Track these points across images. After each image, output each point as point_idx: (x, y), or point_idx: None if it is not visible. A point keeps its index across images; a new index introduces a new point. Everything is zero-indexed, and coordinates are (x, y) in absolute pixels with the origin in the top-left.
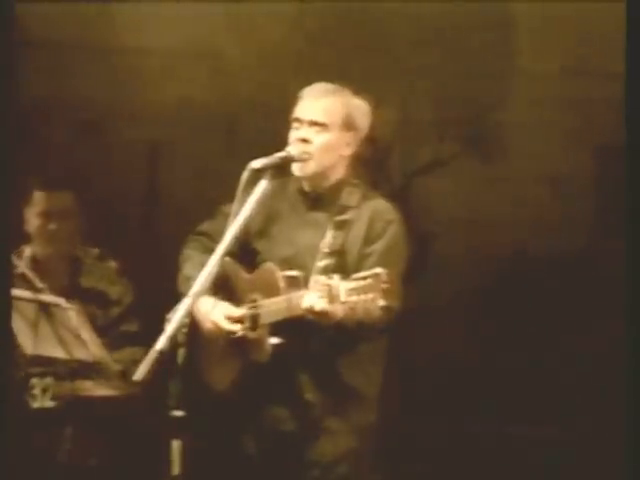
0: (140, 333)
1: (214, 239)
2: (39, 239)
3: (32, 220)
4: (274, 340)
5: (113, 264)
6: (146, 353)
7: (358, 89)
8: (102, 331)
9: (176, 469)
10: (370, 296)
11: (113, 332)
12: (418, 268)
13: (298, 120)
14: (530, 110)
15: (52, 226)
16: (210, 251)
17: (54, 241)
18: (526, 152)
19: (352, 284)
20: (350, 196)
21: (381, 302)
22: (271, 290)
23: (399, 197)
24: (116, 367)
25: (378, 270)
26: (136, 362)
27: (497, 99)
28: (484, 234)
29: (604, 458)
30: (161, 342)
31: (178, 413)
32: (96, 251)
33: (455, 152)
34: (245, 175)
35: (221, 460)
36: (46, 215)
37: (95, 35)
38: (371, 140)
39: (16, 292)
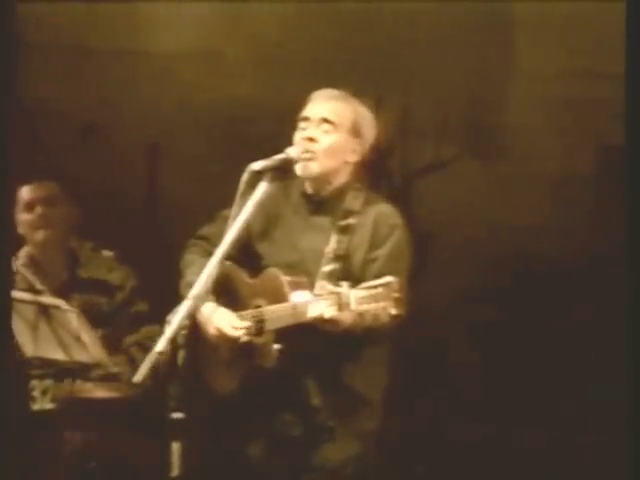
0: (152, 314)
1: (214, 243)
2: (29, 231)
3: (21, 217)
4: (279, 346)
5: (109, 253)
6: (162, 330)
7: (358, 90)
8: (109, 317)
9: (175, 471)
10: (381, 305)
11: (123, 315)
12: (418, 270)
13: (306, 119)
14: (530, 111)
15: (37, 211)
16: (211, 255)
17: (42, 227)
18: (526, 153)
19: (363, 292)
20: (354, 200)
21: (393, 311)
22: (276, 296)
23: (399, 199)
24: (115, 369)
25: (389, 279)
26: (154, 338)
27: (497, 100)
28: (484, 235)
29: (605, 462)
30: (161, 344)
31: (178, 415)
32: (90, 244)
33: (455, 153)
34: (245, 177)
35: (225, 464)
36: (31, 204)
37: (95, 37)
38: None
39: (16, 294)
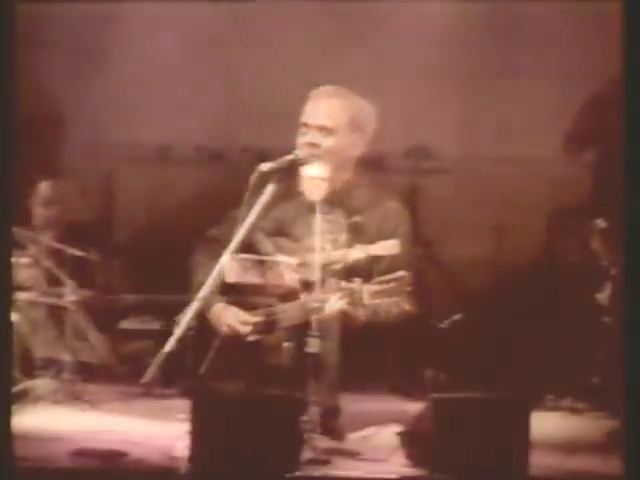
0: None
1: (223, 244)
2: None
3: (38, 210)
4: (291, 344)
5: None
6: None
7: (360, 90)
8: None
9: (182, 469)
10: (394, 299)
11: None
12: (419, 271)
13: (306, 125)
14: (530, 111)
15: (52, 209)
16: (220, 256)
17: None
18: (526, 153)
19: (376, 287)
20: (359, 198)
21: (406, 305)
22: (287, 294)
23: (402, 200)
24: (122, 369)
25: (401, 273)
26: (144, 356)
27: (497, 100)
28: (485, 237)
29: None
30: (169, 344)
31: (181, 415)
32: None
33: (455, 155)
34: (253, 178)
35: (234, 463)
36: (48, 201)
37: (95, 37)
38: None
39: (22, 295)
